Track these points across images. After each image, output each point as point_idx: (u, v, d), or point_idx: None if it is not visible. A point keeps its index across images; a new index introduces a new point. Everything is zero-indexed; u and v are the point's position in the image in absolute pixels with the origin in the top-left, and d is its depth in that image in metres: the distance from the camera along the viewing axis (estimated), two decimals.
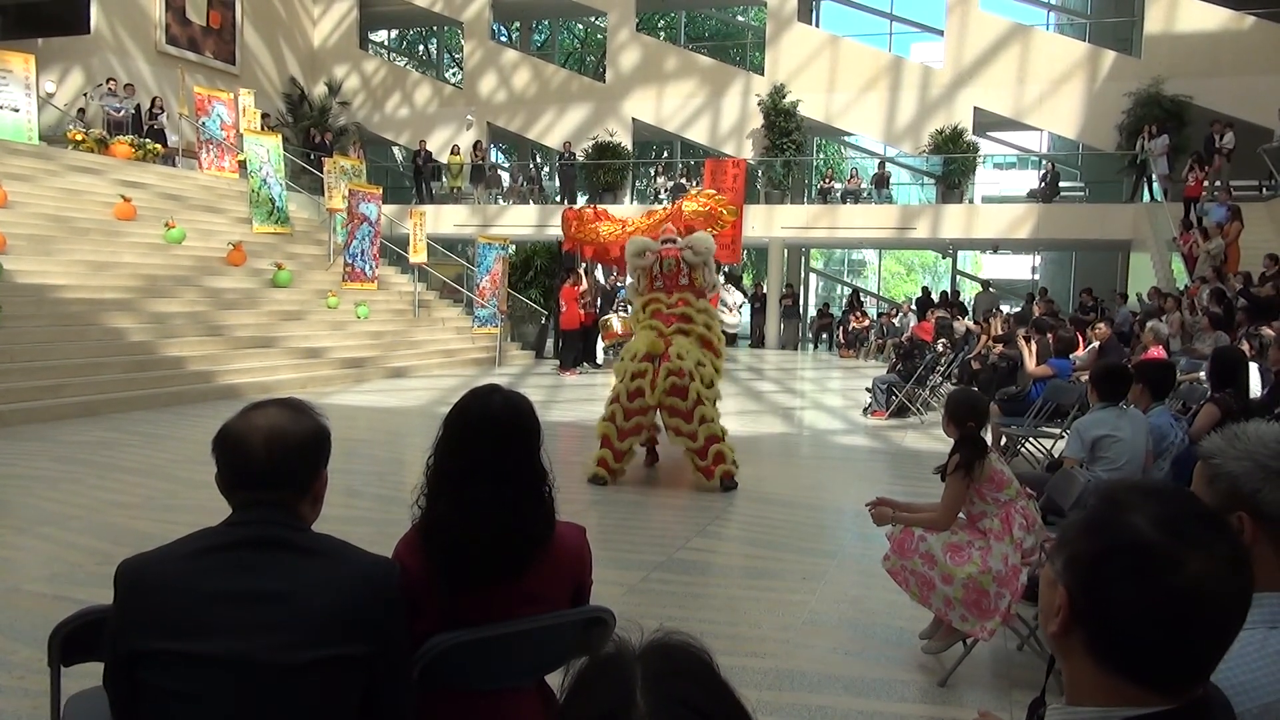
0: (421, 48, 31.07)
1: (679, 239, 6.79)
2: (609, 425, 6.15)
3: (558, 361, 15.22)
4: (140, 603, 1.52)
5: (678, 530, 5.34)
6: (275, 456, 1.63)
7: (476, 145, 22.22)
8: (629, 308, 17.10)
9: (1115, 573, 1.04)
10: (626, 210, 18.86)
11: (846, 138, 26.03)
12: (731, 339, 17.56)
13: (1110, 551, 1.05)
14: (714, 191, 14.11)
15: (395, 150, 27.54)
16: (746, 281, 24.88)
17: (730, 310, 17.21)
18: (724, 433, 6.37)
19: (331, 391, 11.16)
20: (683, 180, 20.60)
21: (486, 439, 1.77)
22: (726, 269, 20.63)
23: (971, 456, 3.39)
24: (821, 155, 28.58)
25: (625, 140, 21.84)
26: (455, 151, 22.12)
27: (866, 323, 20.29)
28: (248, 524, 1.60)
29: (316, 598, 1.53)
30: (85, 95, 18.16)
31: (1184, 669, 1.03)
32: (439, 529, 1.75)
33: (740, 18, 26.27)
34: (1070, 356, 8.22)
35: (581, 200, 22.51)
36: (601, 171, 21.07)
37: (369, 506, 5.58)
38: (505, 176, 23.42)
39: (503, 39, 27.01)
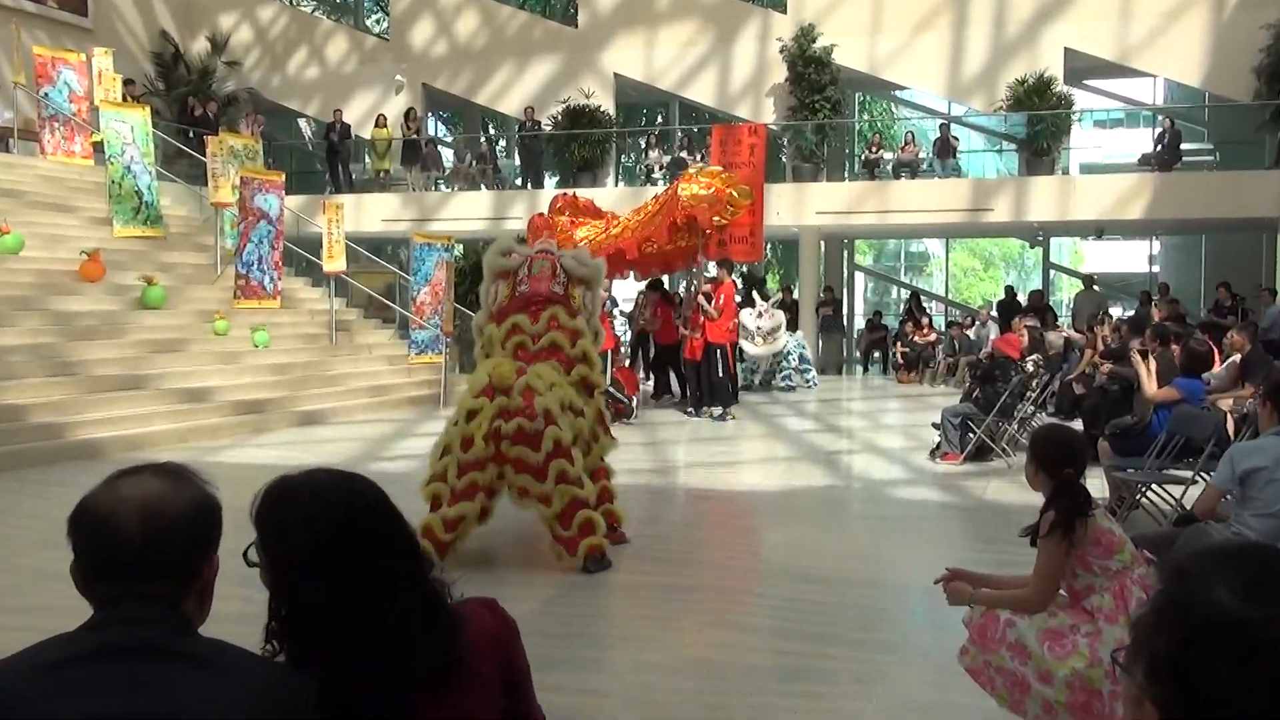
0: None
1: (561, 250, 6.99)
2: (440, 485, 6.05)
3: None
4: None
5: (685, 620, 5.35)
6: (153, 537, 1.63)
7: (409, 114, 22.43)
8: (615, 322, 17.24)
9: (1206, 664, 1.07)
10: (609, 196, 18.98)
11: (898, 93, 26.35)
12: (748, 384, 17.43)
13: (1194, 639, 1.09)
14: (721, 169, 14.33)
15: (302, 123, 27.75)
16: (771, 285, 25.04)
17: (756, 336, 17.20)
18: (604, 493, 6.42)
19: (222, 446, 11.17)
20: (683, 154, 20.79)
21: (324, 560, 1.75)
22: (744, 269, 20.78)
23: (1070, 513, 3.42)
24: (866, 117, 28.93)
25: (606, 104, 22.06)
26: (381, 123, 22.32)
27: (932, 336, 20.40)
28: (117, 626, 1.60)
29: None
30: None
31: None
32: (314, 679, 1.71)
33: None
34: (1203, 375, 8.28)
35: (550, 184, 22.67)
36: (576, 145, 21.27)
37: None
38: (448, 155, 23.62)
39: None
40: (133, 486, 1.67)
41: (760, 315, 17.34)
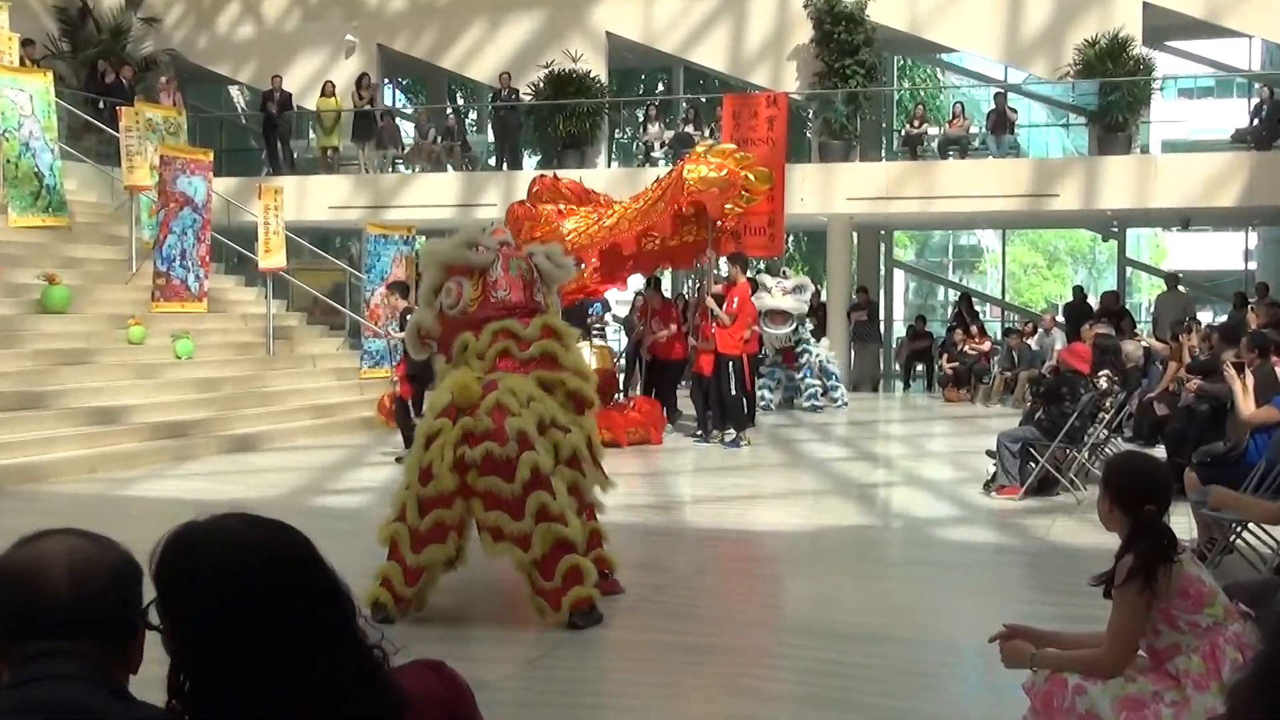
0: None
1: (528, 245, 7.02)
2: (399, 526, 5.95)
3: None
4: None
5: (691, 686, 5.35)
6: (83, 589, 1.74)
7: (362, 81, 22.48)
8: (600, 331, 17.01)
9: None
10: (600, 179, 19.02)
11: (945, 56, 26.43)
12: (765, 405, 17.36)
13: None
14: (734, 147, 14.36)
15: (234, 92, 27.79)
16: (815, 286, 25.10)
17: (775, 289, 17.07)
18: (593, 536, 6.34)
19: (137, 477, 11.12)
20: (688, 129, 20.85)
21: (235, 619, 1.75)
22: (761, 265, 20.79)
23: (1152, 558, 3.43)
24: (907, 85, 29.04)
25: (597, 69, 22.13)
26: (328, 92, 22.39)
27: (985, 346, 20.45)
28: (45, 683, 1.66)
29: None
30: None
31: None
32: None
33: None
34: None
35: (530, 165, 22.72)
36: (561, 118, 21.32)
37: None
38: (408, 130, 23.67)
39: None
40: (55, 543, 1.78)
41: (783, 277, 17.57)
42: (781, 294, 17.15)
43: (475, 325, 6.42)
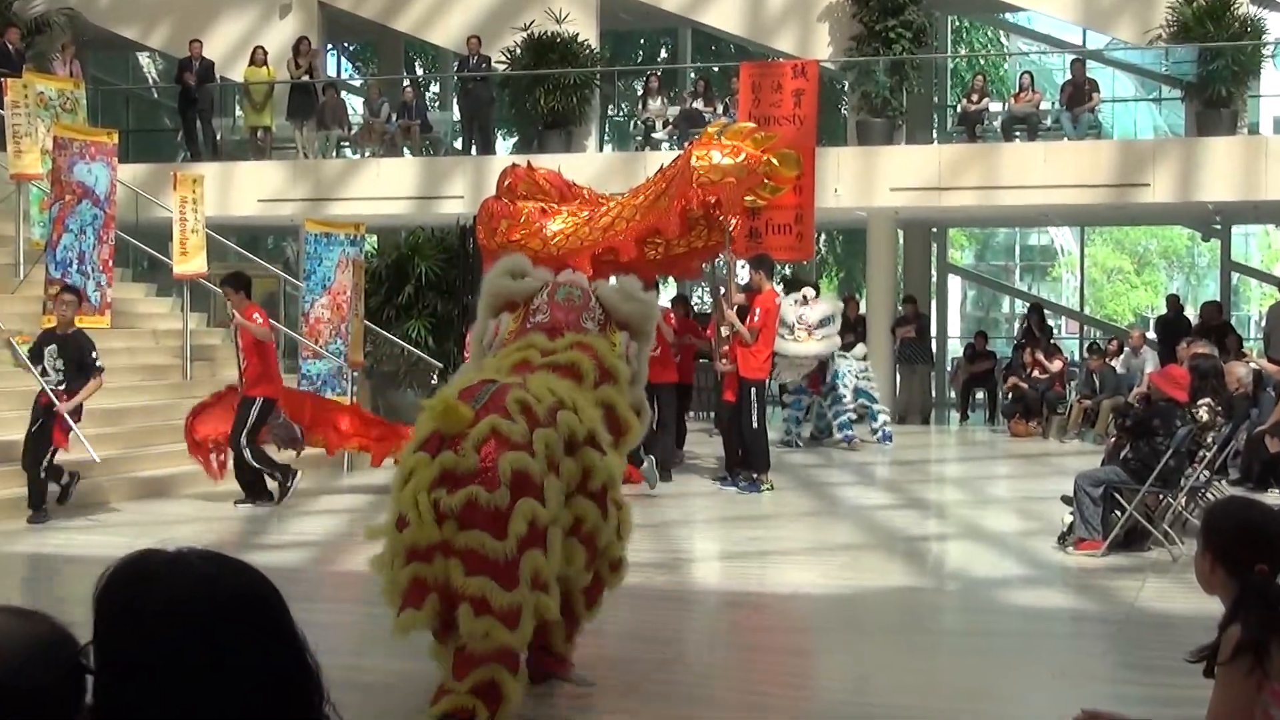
0: None
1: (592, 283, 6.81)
2: (388, 572, 5.81)
3: None
4: None
5: None
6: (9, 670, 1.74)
7: (300, 46, 22.52)
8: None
9: None
10: (590, 166, 19.08)
11: (1009, 16, 26.51)
12: (789, 440, 17.41)
13: None
14: (754, 127, 14.37)
15: (144, 60, 27.85)
16: (827, 290, 25.13)
17: (798, 328, 16.80)
18: (589, 591, 6.17)
19: (22, 530, 11.12)
20: (696, 104, 20.90)
21: (186, 667, 1.77)
22: (786, 269, 20.80)
23: (1263, 631, 3.43)
24: (964, 51, 29.10)
25: (586, 32, 22.17)
26: (259, 59, 22.45)
27: (1059, 367, 20.45)
28: None
29: None
30: None
31: None
32: None
33: None
34: None
35: (505, 148, 22.78)
36: (542, 92, 21.35)
37: None
38: (356, 105, 23.74)
39: None
40: None
41: (803, 302, 16.81)
42: (805, 333, 16.55)
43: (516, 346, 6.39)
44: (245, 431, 12.27)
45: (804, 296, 16.95)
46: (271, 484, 12.53)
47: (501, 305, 6.50)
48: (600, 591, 6.32)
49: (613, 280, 7.03)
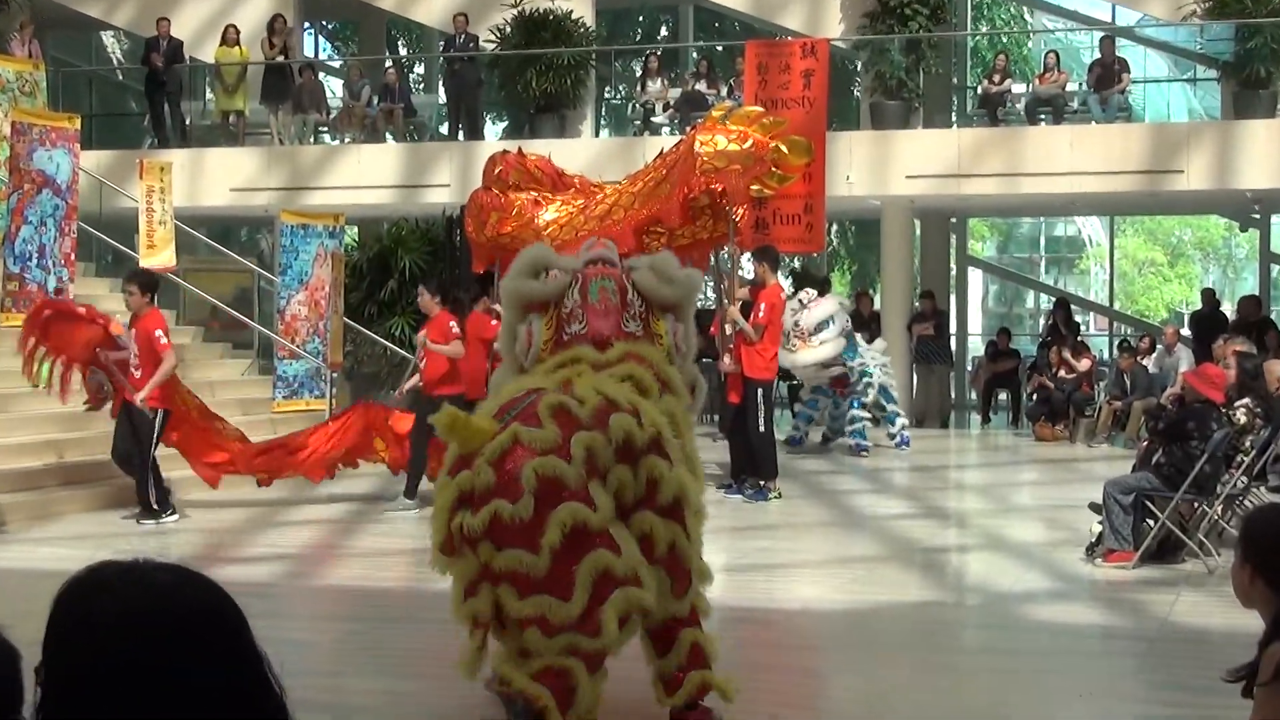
0: None
1: (623, 260, 6.62)
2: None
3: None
4: None
5: None
6: None
7: (275, 25, 22.51)
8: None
9: None
10: (586, 152, 19.10)
11: None
12: (794, 436, 17.42)
13: None
14: (760, 110, 14.39)
15: (108, 40, 27.85)
16: (838, 288, 25.12)
17: (793, 337, 16.78)
18: (708, 649, 5.99)
19: None
20: (699, 86, 20.91)
21: (138, 684, 1.77)
22: (795, 262, 20.80)
23: None
24: (985, 29, 29.08)
25: (581, 9, 22.18)
26: (231, 39, 22.43)
27: (1087, 366, 20.45)
28: None
29: None
30: None
31: None
32: None
33: None
34: None
35: (494, 133, 22.77)
36: (534, 73, 21.36)
37: None
38: (336, 88, 23.74)
39: None
40: None
41: (800, 308, 16.75)
42: (801, 341, 16.61)
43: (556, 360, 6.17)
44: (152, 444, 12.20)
45: (800, 302, 16.90)
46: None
47: (528, 308, 6.25)
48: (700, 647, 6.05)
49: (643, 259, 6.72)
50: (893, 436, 17.88)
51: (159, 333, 12.15)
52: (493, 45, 21.83)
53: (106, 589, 1.85)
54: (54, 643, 1.84)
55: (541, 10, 21.68)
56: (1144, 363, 19.41)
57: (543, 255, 6.38)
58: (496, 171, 13.86)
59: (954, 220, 24.79)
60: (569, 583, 5.31)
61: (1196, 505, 10.28)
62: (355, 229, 21.84)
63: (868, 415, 17.64)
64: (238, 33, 22.41)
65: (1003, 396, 22.44)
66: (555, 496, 5.33)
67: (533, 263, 6.26)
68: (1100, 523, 10.31)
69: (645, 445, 5.61)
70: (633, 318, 6.17)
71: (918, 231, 22.92)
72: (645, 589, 5.44)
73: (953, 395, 22.98)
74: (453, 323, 13.08)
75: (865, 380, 17.57)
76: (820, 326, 16.75)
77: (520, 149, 14.54)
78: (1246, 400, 10.68)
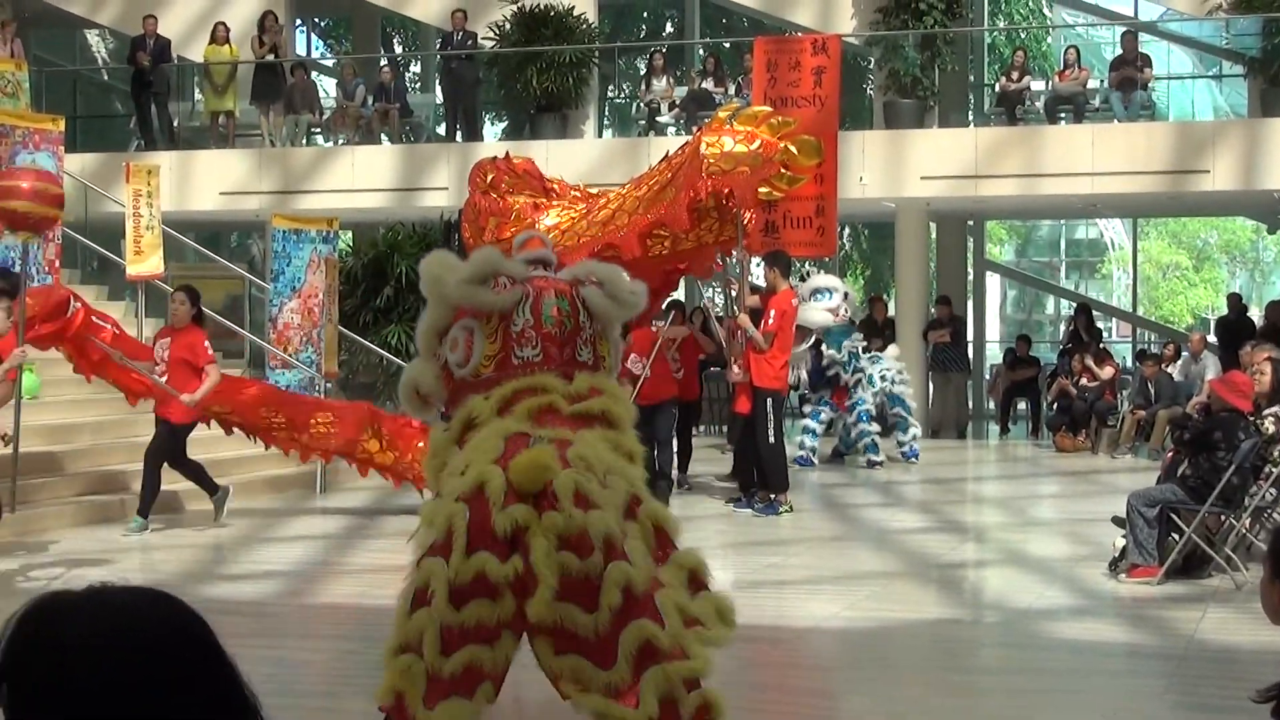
0: None
1: (562, 269, 6.38)
2: (410, 661, 5.31)
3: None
4: None
5: None
6: None
7: (266, 23, 22.53)
8: None
9: None
10: (588, 154, 19.07)
11: None
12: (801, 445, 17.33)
13: None
14: (768, 110, 14.37)
15: (92, 38, 27.87)
16: (853, 293, 25.09)
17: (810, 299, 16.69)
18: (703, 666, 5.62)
19: None
20: (705, 85, 20.90)
21: (108, 710, 1.77)
22: (808, 266, 20.76)
23: None
24: (1002, 24, 29.08)
25: (583, 4, 22.17)
26: (220, 37, 22.46)
27: (1109, 374, 20.42)
28: None
29: None
30: None
31: None
32: None
33: None
34: None
35: (493, 134, 22.76)
36: (535, 72, 21.36)
37: None
38: (329, 88, 23.74)
39: None
40: None
41: (813, 296, 16.60)
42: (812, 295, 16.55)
43: (491, 387, 5.97)
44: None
45: (805, 276, 17.22)
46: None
47: (471, 312, 6.01)
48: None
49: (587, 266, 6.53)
50: (901, 445, 17.81)
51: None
52: (491, 43, 21.85)
53: (71, 611, 1.84)
54: (16, 666, 1.82)
55: (542, 6, 21.71)
56: (1168, 370, 19.38)
57: (493, 261, 6.14)
58: (489, 179, 13.80)
59: (971, 223, 24.78)
60: (609, 651, 5.21)
61: (1224, 518, 10.25)
62: (349, 234, 21.82)
63: (876, 429, 17.57)
64: (227, 31, 22.44)
65: (1022, 406, 22.41)
66: (610, 554, 5.23)
67: (482, 268, 6.02)
68: (1124, 537, 10.29)
69: (636, 499, 5.61)
70: (585, 343, 6.04)
71: (933, 235, 22.91)
72: (697, 659, 5.34)
73: (970, 404, 22.93)
74: None
75: (871, 389, 17.50)
76: (817, 294, 16.66)
77: (508, 154, 14.47)
78: (1275, 409, 10.64)
